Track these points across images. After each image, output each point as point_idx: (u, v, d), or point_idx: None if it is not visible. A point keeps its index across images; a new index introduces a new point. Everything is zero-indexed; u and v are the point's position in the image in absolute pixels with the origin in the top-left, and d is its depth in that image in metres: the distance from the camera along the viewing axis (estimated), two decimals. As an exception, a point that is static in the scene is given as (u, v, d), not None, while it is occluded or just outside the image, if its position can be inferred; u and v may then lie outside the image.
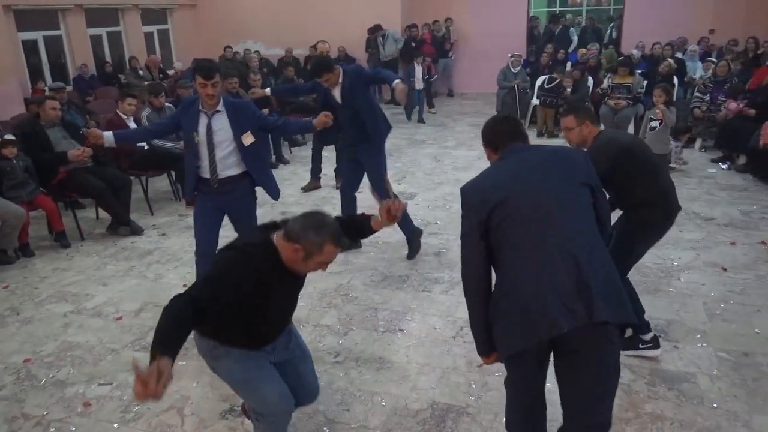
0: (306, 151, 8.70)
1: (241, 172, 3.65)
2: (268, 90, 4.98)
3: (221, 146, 3.56)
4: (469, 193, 2.19)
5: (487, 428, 2.81)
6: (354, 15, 12.91)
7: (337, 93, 4.61)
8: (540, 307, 1.94)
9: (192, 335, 2.14)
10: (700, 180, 6.59)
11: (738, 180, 6.56)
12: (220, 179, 3.61)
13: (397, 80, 4.52)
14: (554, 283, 1.94)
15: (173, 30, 13.80)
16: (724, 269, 4.36)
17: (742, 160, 6.93)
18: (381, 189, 4.70)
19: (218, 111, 3.54)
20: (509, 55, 9.89)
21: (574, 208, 2.08)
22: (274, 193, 3.87)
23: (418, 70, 10.43)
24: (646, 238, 3.23)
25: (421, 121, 10.46)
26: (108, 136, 3.81)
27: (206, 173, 3.61)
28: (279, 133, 3.62)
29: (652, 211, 3.13)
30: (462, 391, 3.10)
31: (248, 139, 3.61)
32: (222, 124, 3.54)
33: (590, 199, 2.15)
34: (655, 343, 3.30)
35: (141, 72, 11.19)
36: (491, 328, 2.12)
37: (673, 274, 4.31)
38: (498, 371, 3.24)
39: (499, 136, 2.31)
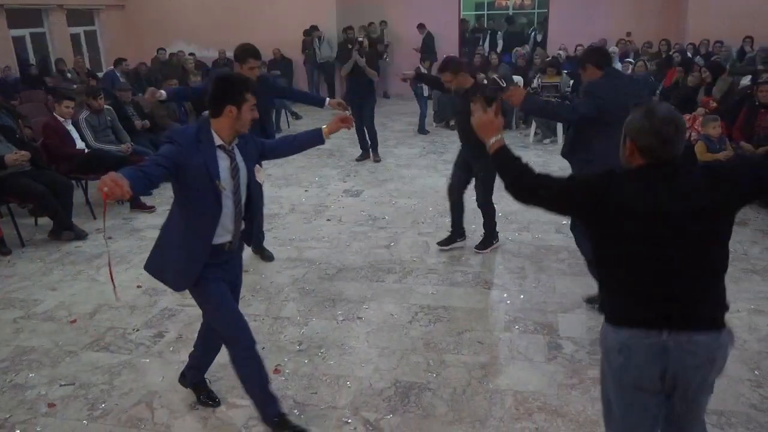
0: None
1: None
2: (163, 92, 4.44)
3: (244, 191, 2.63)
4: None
5: (447, 401, 3.02)
6: (289, 16, 12.95)
7: None
8: None
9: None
10: (624, 171, 7.11)
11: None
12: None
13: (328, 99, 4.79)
14: None
15: (101, 31, 13.38)
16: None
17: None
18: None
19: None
20: (443, 56, 10.21)
21: None
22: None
23: None
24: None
25: (423, 131, 9.74)
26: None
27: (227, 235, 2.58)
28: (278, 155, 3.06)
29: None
30: (422, 369, 3.30)
31: (261, 175, 2.71)
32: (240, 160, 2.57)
33: None
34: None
35: (69, 75, 10.83)
36: None
37: (605, 256, 4.69)
38: (453, 350, 3.47)
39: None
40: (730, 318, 3.73)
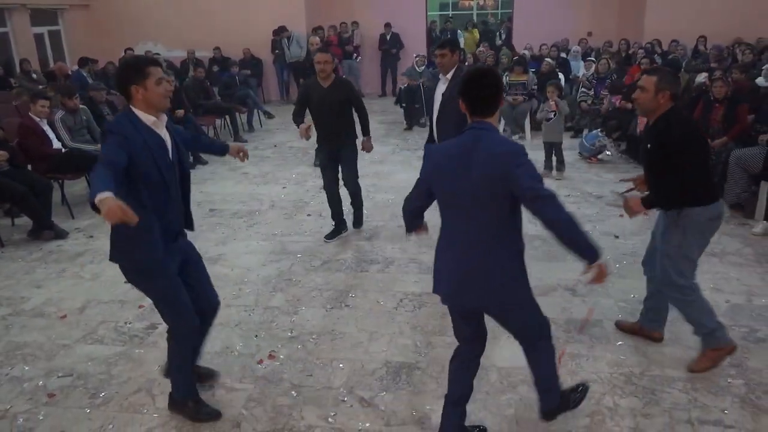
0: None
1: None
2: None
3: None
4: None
5: (436, 378, 3.21)
6: (258, 16, 12.97)
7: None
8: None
9: None
10: (590, 165, 7.44)
11: (621, 163, 7.48)
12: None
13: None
14: None
15: (65, 31, 13.16)
16: (616, 237, 5.09)
17: (623, 146, 7.88)
18: None
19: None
20: (414, 55, 10.46)
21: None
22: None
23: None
24: None
25: None
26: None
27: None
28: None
29: None
30: (410, 350, 3.48)
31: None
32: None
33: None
34: None
35: (34, 75, 10.65)
36: None
37: (575, 244, 4.96)
38: (438, 332, 3.66)
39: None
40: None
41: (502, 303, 2.44)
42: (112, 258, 2.71)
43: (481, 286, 2.37)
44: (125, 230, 2.48)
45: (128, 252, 2.65)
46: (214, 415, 2.95)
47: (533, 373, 2.68)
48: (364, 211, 5.92)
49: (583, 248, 2.25)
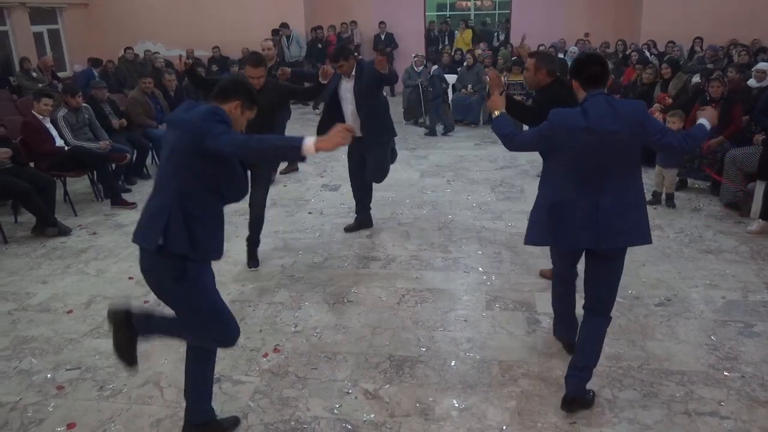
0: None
1: None
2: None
3: None
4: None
5: (439, 371, 3.27)
6: (256, 15, 13.04)
7: None
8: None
9: None
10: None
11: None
12: None
13: None
14: None
15: (64, 30, 13.19)
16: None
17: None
18: None
19: None
20: (412, 55, 10.52)
21: None
22: None
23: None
24: None
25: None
26: None
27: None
28: None
29: None
30: (413, 344, 3.54)
31: None
32: None
33: None
34: None
35: (34, 74, 10.68)
36: None
37: (574, 241, 5.03)
38: (440, 327, 3.73)
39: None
40: (689, 291, 4.09)
41: (630, 241, 2.79)
42: (174, 247, 2.37)
43: (621, 228, 2.70)
44: (199, 218, 2.42)
45: (196, 242, 2.40)
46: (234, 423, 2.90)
47: (583, 347, 2.92)
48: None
49: (704, 138, 2.90)
